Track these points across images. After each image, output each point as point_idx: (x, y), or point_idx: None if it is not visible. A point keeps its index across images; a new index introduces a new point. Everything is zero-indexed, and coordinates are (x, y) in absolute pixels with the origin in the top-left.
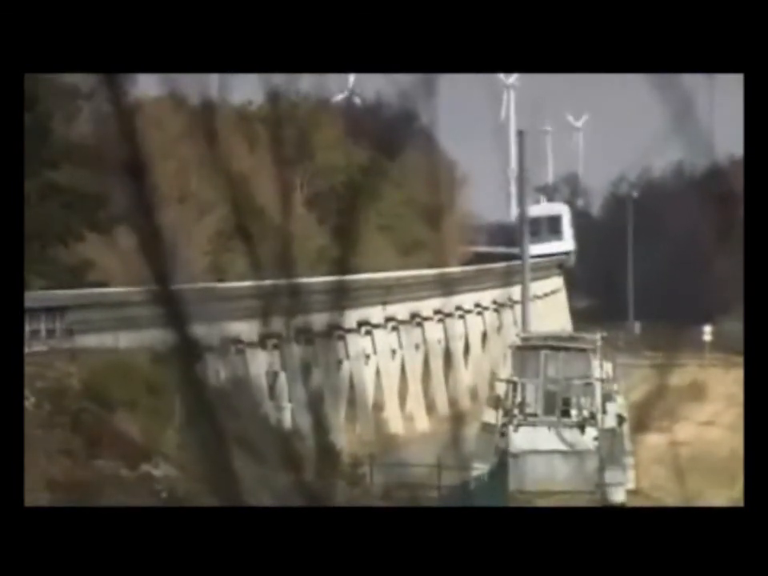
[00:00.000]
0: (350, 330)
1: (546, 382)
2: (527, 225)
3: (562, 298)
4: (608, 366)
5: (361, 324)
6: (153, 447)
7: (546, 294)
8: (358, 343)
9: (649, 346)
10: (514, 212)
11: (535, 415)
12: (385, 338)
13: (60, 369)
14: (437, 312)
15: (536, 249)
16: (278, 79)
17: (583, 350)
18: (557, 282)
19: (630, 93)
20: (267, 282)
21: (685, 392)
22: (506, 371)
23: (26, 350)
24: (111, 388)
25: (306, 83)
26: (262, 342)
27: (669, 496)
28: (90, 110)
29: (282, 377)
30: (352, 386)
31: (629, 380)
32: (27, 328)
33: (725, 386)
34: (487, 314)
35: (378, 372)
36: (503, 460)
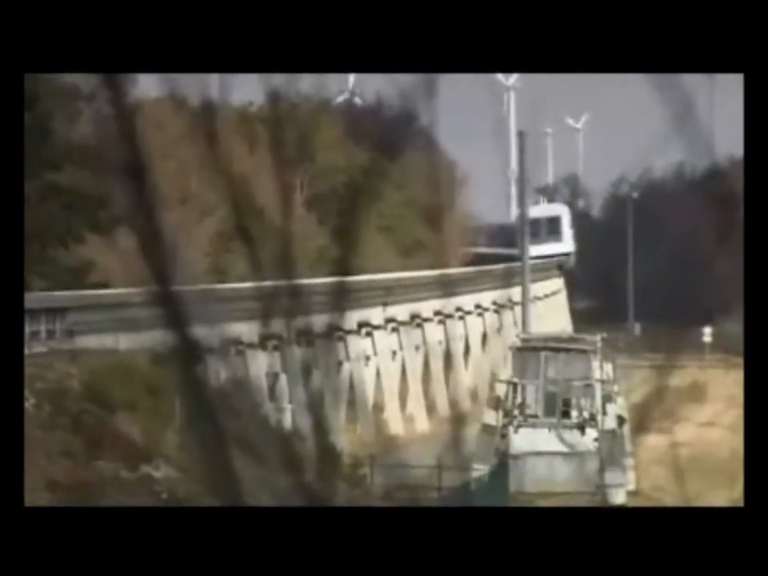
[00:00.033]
0: (350, 331)
1: (546, 383)
2: (527, 226)
3: (562, 299)
4: (608, 367)
5: (361, 325)
6: (153, 448)
7: (546, 295)
8: (358, 344)
9: (649, 347)
10: (514, 213)
11: (535, 416)
12: (385, 339)
13: (60, 370)
14: (437, 313)
15: (535, 250)
16: (279, 80)
17: (583, 352)
18: (557, 283)
19: (630, 93)
20: (267, 283)
21: (685, 393)
22: (506, 372)
23: (27, 351)
24: (112, 389)
25: (307, 84)
26: (262, 343)
27: (669, 497)
28: (90, 111)
29: (283, 378)
30: (352, 387)
31: (629, 381)
32: (28, 329)
33: (725, 387)
34: (487, 315)
35: (378, 373)
36: (503, 461)
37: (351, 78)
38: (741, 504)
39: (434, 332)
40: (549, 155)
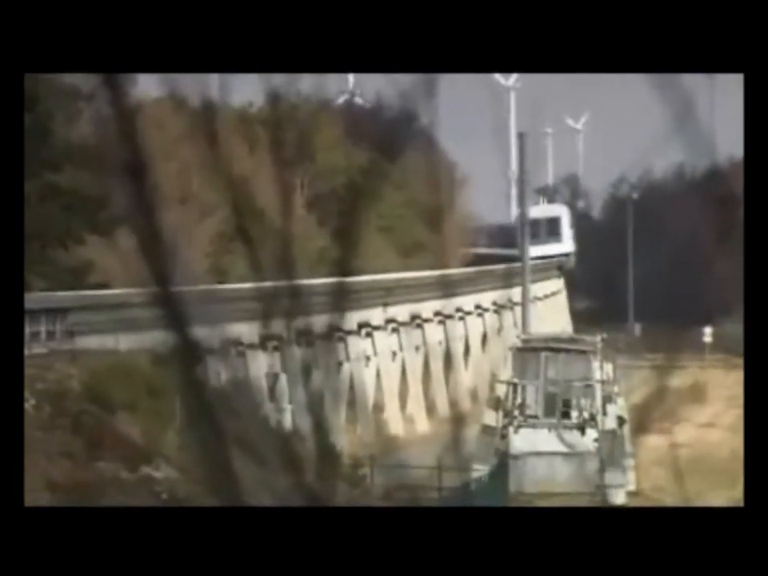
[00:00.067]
0: (350, 332)
1: (546, 383)
2: (527, 227)
3: (562, 299)
4: (608, 368)
5: (361, 326)
6: (153, 449)
7: (546, 296)
8: (358, 345)
9: (649, 348)
10: (514, 214)
11: (535, 417)
12: (385, 340)
13: (60, 371)
14: (437, 313)
15: (535, 250)
16: (278, 80)
17: (583, 352)
18: (557, 283)
19: (630, 93)
20: (268, 284)
21: (685, 394)
22: (506, 373)
23: (27, 351)
24: (112, 390)
25: (307, 84)
26: (262, 344)
27: (669, 498)
28: (90, 111)
29: (283, 378)
30: (352, 387)
31: (629, 381)
32: (28, 330)
33: (725, 388)
34: (487, 315)
35: (378, 373)
36: (503, 462)
37: (351, 78)
38: (741, 504)
39: (434, 332)
40: (549, 156)
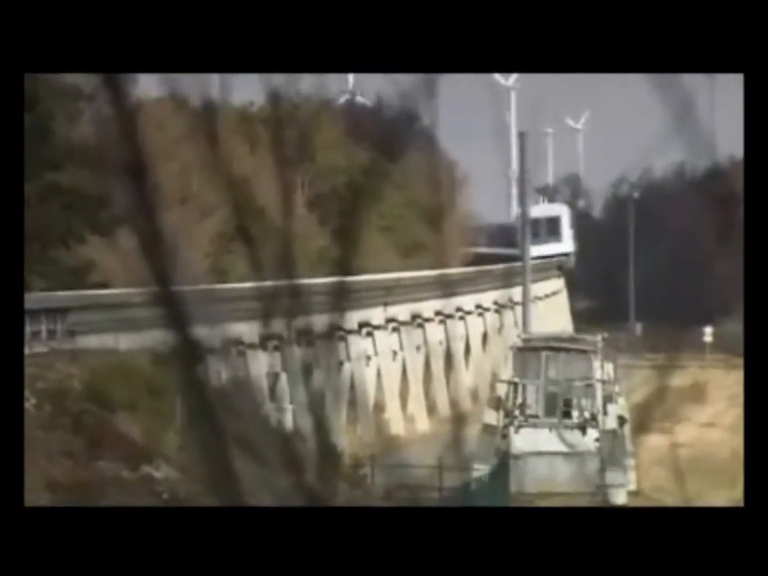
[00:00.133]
0: (351, 332)
1: (546, 383)
2: (528, 226)
3: (562, 299)
4: (609, 368)
5: (362, 325)
6: (154, 449)
7: (546, 295)
8: (359, 344)
9: (650, 347)
10: (514, 213)
11: (536, 416)
12: (386, 339)
13: (61, 370)
14: (438, 313)
15: (535, 250)
16: (279, 80)
17: (584, 352)
18: (558, 283)
19: (630, 93)
20: (268, 284)
21: (686, 393)
22: (506, 372)
23: (28, 351)
24: (112, 389)
25: (307, 84)
26: (263, 344)
27: (670, 497)
28: (90, 111)
29: (283, 378)
30: (353, 387)
31: (630, 381)
32: (28, 329)
33: (726, 388)
34: (488, 315)
35: (378, 373)
36: (504, 461)
37: (351, 78)
38: (741, 504)
39: (435, 332)
40: (549, 155)
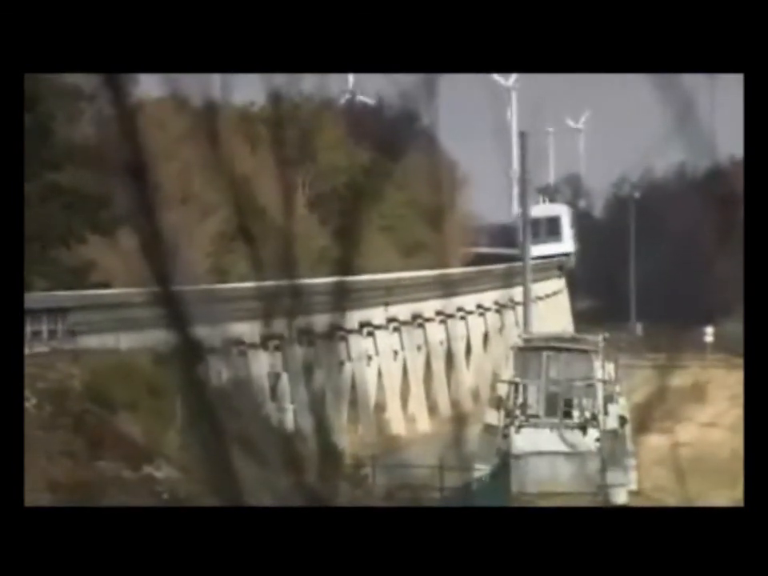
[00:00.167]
0: (351, 331)
1: (547, 383)
2: (529, 226)
3: (563, 299)
4: (610, 367)
5: (363, 325)
6: (155, 449)
7: (547, 295)
8: (360, 344)
9: (650, 347)
10: (515, 213)
11: (537, 416)
12: (387, 339)
13: (62, 370)
14: (438, 313)
15: (535, 250)
16: (280, 80)
17: (585, 352)
18: (558, 283)
19: (631, 93)
20: (269, 283)
21: (687, 393)
22: (507, 372)
23: (28, 351)
24: (113, 389)
25: (308, 84)
26: (263, 343)
27: (670, 497)
28: (91, 111)
29: (284, 378)
30: (354, 387)
31: (631, 381)
32: (29, 329)
33: (726, 388)
34: (489, 315)
35: (379, 373)
36: (505, 461)
37: (351, 78)
38: (742, 504)
39: (436, 332)
40: (550, 155)
